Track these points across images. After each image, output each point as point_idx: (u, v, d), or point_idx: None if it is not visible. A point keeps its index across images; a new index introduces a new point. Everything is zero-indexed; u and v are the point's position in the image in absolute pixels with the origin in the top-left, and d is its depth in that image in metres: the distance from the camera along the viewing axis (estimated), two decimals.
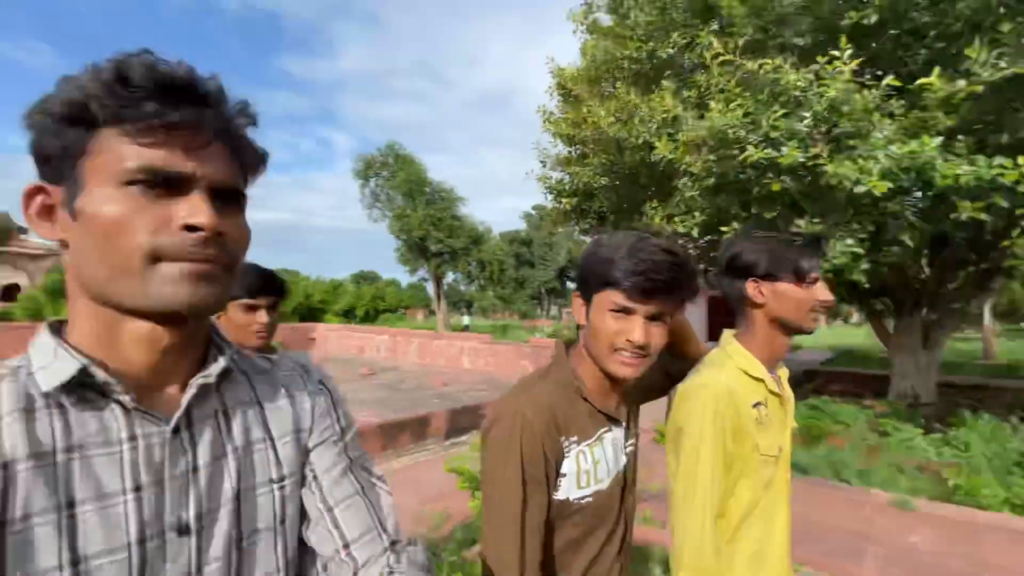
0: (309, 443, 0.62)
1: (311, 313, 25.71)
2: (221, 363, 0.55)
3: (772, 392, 1.08)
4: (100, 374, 0.48)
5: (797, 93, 4.42)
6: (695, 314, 17.27)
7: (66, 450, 0.47)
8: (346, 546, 0.58)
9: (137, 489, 0.49)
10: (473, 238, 25.30)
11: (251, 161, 0.56)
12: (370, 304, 27.58)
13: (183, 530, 0.50)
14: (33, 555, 0.43)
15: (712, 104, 4.69)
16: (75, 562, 0.45)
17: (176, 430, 0.51)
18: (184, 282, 0.47)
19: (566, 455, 0.87)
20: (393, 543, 0.61)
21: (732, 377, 1.04)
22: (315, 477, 0.61)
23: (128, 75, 0.46)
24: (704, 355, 1.12)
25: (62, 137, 0.47)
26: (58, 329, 0.52)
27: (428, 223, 23.71)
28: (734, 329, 1.16)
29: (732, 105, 4.74)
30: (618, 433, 0.96)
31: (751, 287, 1.08)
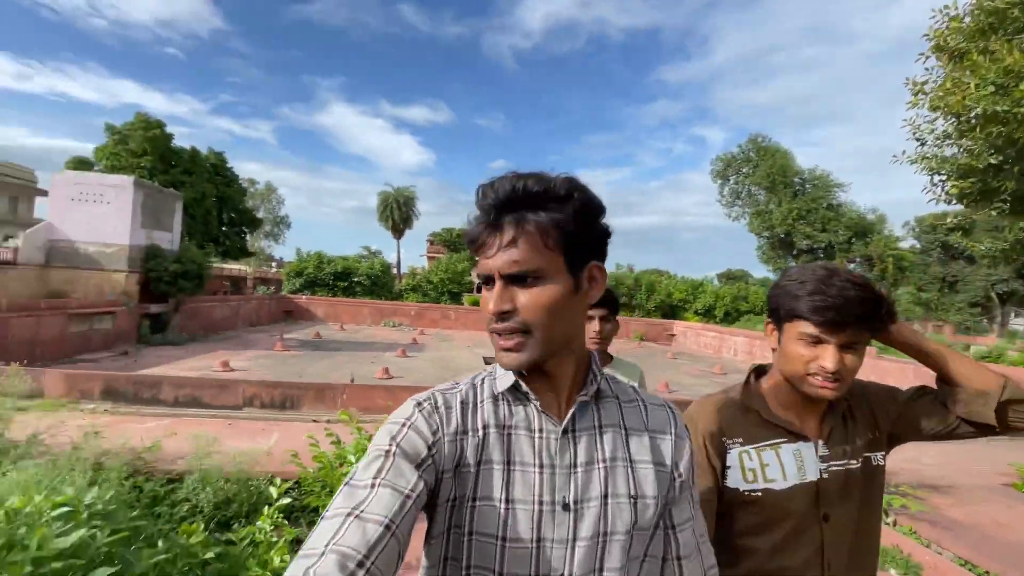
0: (676, 480, 0.73)
1: (672, 310, 27.51)
2: (593, 388, 0.72)
3: None
4: (524, 386, 0.71)
5: None
6: None
7: (509, 427, 0.70)
8: None
9: (541, 466, 0.68)
10: (855, 229, 21.21)
11: (551, 234, 0.65)
12: (730, 304, 27.01)
13: (566, 507, 0.66)
14: (490, 486, 0.67)
15: None
16: (508, 500, 0.66)
17: (565, 432, 0.70)
18: (500, 352, 0.68)
19: (728, 451, 1.01)
20: None
21: None
22: (673, 526, 0.71)
23: (476, 207, 0.68)
24: (982, 376, 0.95)
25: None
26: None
27: (793, 217, 21.52)
28: None
29: None
30: (806, 448, 0.99)
31: None
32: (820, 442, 1.00)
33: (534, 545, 0.65)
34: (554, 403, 0.72)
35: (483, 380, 0.76)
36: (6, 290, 11.19)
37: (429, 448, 0.66)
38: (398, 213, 38.19)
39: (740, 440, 1.02)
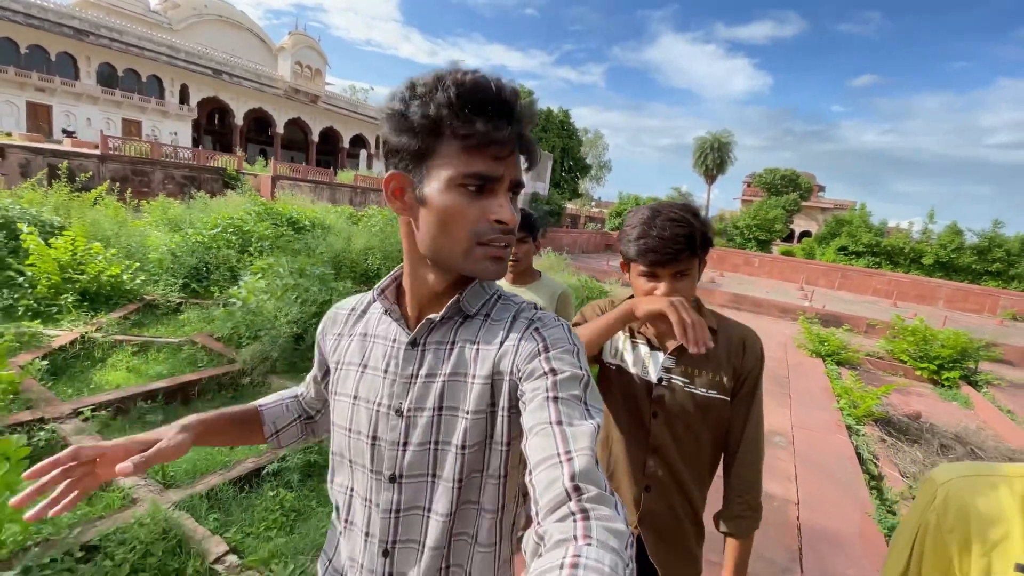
0: (521, 384, 0.66)
1: None
2: (446, 311, 0.71)
3: None
4: (387, 303, 0.75)
5: None
6: None
7: (373, 335, 0.77)
8: (530, 472, 0.56)
9: (386, 371, 0.73)
10: None
11: (532, 159, 0.68)
12: None
13: (399, 412, 0.71)
14: (346, 384, 0.76)
15: None
16: (355, 396, 0.74)
17: (415, 344, 0.72)
18: (490, 261, 0.66)
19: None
20: (577, 488, 0.51)
21: None
22: (523, 411, 0.63)
23: (465, 96, 0.60)
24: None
25: (418, 140, 0.62)
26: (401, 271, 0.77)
27: None
28: None
29: None
30: (659, 356, 1.15)
31: None
32: (668, 356, 1.14)
33: (370, 441, 0.72)
34: (422, 319, 0.74)
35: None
36: None
37: (321, 341, 0.85)
38: (712, 158, 38.51)
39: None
